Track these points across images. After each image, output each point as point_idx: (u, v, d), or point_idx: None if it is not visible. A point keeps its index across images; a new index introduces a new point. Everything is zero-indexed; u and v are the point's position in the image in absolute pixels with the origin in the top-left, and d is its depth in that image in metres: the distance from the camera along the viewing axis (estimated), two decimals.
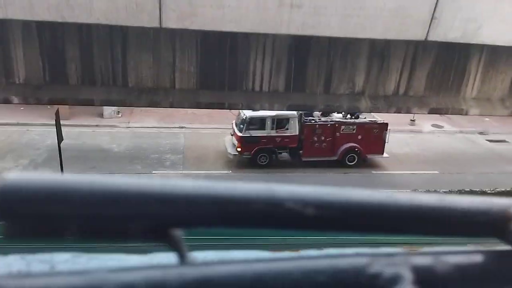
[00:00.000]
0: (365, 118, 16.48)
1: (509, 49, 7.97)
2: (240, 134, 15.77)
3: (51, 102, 7.46)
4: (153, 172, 15.37)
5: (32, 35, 6.95)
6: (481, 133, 20.68)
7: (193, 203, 0.37)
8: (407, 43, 7.68)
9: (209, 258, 0.41)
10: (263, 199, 0.37)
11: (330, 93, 8.19)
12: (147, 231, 0.37)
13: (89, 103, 7.60)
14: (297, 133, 16.28)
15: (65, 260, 0.63)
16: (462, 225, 0.42)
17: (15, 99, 7.27)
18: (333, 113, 16.32)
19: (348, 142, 16.24)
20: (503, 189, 14.38)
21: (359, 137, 16.17)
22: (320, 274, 0.36)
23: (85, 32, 7.00)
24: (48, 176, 0.37)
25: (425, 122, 20.83)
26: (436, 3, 6.94)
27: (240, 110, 15.56)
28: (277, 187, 0.39)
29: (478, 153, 18.61)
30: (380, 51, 7.93)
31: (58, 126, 11.28)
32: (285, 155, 16.46)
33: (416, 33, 7.13)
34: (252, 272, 0.36)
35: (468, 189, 14.27)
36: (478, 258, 0.41)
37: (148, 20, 6.09)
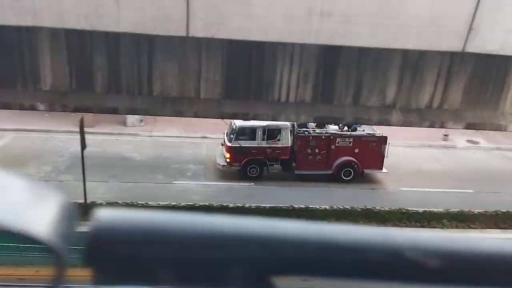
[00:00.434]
0: (363, 130, 15.91)
1: None
2: (229, 144, 15.42)
3: (77, 110, 7.64)
4: (174, 182, 15.50)
5: (61, 43, 7.16)
6: None
7: (299, 248, 0.32)
8: (442, 54, 7.51)
9: None
10: (380, 247, 0.31)
11: (359, 105, 8.07)
12: (245, 277, 0.33)
13: (114, 111, 7.74)
14: (290, 144, 15.86)
15: None
16: None
17: (41, 106, 7.49)
18: (329, 125, 15.88)
19: (343, 156, 15.67)
20: None
21: (356, 150, 15.60)
22: None
23: (112, 41, 7.16)
24: (142, 216, 0.34)
25: (460, 137, 20.28)
26: (474, 14, 6.78)
27: (232, 120, 15.31)
28: (394, 233, 0.33)
29: None
30: (413, 62, 7.78)
31: (82, 133, 11.56)
32: (277, 167, 15.93)
33: (452, 44, 6.97)
34: None
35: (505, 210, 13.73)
36: None
37: (175, 29, 6.17)
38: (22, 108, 7.54)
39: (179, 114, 7.91)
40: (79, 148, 12.85)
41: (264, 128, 15.25)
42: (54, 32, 7.07)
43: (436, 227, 12.99)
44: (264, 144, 15.53)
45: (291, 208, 12.83)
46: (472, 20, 6.81)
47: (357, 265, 0.32)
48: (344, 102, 7.99)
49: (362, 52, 7.53)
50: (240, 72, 7.75)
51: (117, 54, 7.36)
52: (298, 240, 0.32)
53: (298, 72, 7.69)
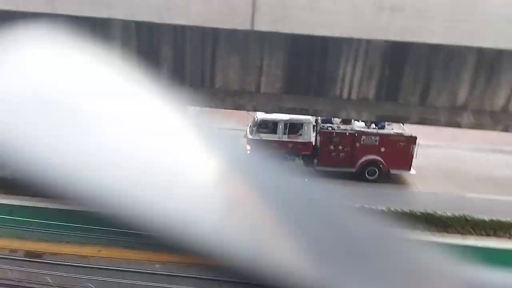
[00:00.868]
0: (392, 129, 15.22)
1: None
2: (250, 137, 15.27)
3: None
4: None
5: (131, 35, 7.51)
6: None
7: None
8: None
9: None
10: None
11: (427, 104, 7.69)
12: None
13: None
14: (311, 140, 15.54)
15: None
16: None
17: None
18: (355, 122, 15.33)
19: (368, 154, 15.13)
20: None
21: (382, 149, 15.07)
22: None
23: (179, 33, 7.39)
24: None
25: None
26: None
27: (256, 112, 14.92)
28: None
29: None
30: (489, 61, 7.26)
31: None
32: (299, 162, 15.54)
33: None
34: None
35: None
36: None
37: (240, 23, 6.24)
38: None
39: (239, 107, 8.01)
40: None
41: (285, 122, 15.02)
42: (125, 24, 7.42)
43: (503, 238, 12.17)
44: (285, 138, 15.31)
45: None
46: None
47: None
48: (410, 101, 7.65)
49: (433, 49, 7.15)
50: (302, 67, 7.68)
51: (183, 46, 7.59)
52: None
53: (362, 68, 7.48)
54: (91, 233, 11.26)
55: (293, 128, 15.46)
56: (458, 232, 11.73)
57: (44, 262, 10.51)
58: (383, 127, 15.65)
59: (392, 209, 12.53)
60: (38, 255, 10.84)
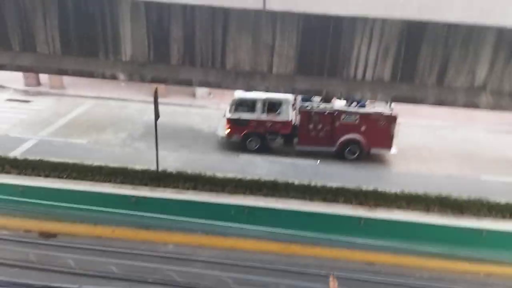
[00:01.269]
0: (374, 108, 15.26)
1: None
2: (228, 116, 15.40)
3: (154, 81, 7.99)
4: (240, 155, 15.86)
5: (140, 15, 7.46)
6: None
7: None
8: None
9: None
10: None
11: (444, 85, 7.56)
12: None
13: (188, 83, 7.99)
14: (290, 119, 15.50)
15: None
16: None
17: (121, 76, 7.93)
18: (335, 101, 15.40)
19: (348, 133, 15.23)
20: None
21: (362, 128, 15.14)
22: None
23: (189, 13, 7.32)
24: None
25: None
26: None
27: (236, 91, 14.79)
28: None
29: None
30: (509, 40, 7.08)
31: (156, 104, 12.18)
32: (279, 141, 15.79)
33: None
34: None
35: None
36: None
37: (252, 2, 6.14)
38: (103, 77, 8.04)
39: (251, 88, 7.96)
40: (152, 117, 13.56)
41: (264, 101, 15.06)
42: (134, 4, 7.38)
43: None
44: (263, 117, 15.39)
45: (359, 189, 12.59)
46: None
47: None
48: (427, 82, 7.52)
49: (451, 28, 6.98)
50: (315, 47, 7.57)
51: (193, 26, 7.52)
52: None
53: (377, 48, 7.35)
54: (104, 214, 11.52)
55: (272, 106, 15.46)
56: (473, 215, 11.67)
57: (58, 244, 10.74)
58: (363, 106, 15.68)
59: (406, 191, 12.51)
60: (51, 235, 11.10)
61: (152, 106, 13.02)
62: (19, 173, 12.31)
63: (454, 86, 7.48)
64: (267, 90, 8.08)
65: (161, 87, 16.43)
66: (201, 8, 7.18)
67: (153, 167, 12.84)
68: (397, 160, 16.24)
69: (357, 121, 15.25)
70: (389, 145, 15.54)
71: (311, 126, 15.33)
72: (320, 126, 15.31)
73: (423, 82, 7.59)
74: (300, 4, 6.02)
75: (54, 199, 11.72)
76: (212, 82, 7.95)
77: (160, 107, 12.71)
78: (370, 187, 12.90)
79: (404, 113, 19.54)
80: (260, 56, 7.70)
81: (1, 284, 9.20)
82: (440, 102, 7.76)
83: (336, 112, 15.21)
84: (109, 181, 12.25)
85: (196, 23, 7.43)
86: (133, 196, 11.86)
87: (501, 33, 6.97)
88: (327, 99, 15.56)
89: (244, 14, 7.23)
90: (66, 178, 12.18)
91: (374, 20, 6.99)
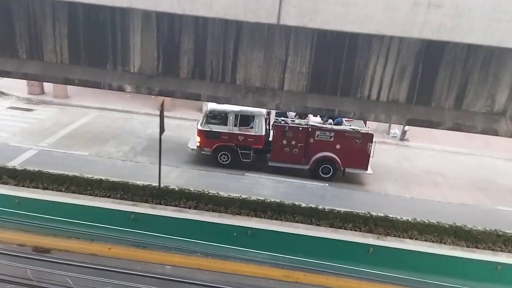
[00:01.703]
0: (350, 126, 15.21)
1: None
2: (199, 128, 15.46)
3: (161, 94, 8.03)
4: (246, 174, 15.81)
5: (151, 25, 7.56)
6: None
7: None
8: None
9: None
10: None
11: (462, 109, 7.52)
12: None
13: (196, 97, 8.02)
14: (263, 133, 15.55)
15: None
16: None
17: (129, 88, 7.98)
18: (310, 117, 15.48)
19: (323, 151, 15.12)
20: None
21: (337, 146, 15.05)
22: None
23: (201, 26, 7.40)
24: None
25: None
26: None
27: (206, 103, 14.76)
28: None
29: None
30: None
31: (161, 117, 12.22)
32: (252, 156, 15.75)
33: None
34: None
35: None
36: None
37: (265, 16, 6.19)
38: (110, 88, 8.10)
39: (261, 105, 7.96)
40: (155, 130, 13.60)
41: (236, 114, 15.06)
42: (146, 15, 7.48)
43: None
44: (236, 130, 15.39)
45: (369, 215, 12.43)
46: None
47: None
48: (444, 105, 7.49)
49: (471, 50, 7.00)
50: (329, 65, 7.61)
51: (204, 39, 7.60)
52: None
53: (393, 68, 7.36)
54: (101, 230, 11.43)
55: (245, 120, 15.40)
56: (488, 248, 11.44)
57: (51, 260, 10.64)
58: (339, 123, 15.52)
59: (419, 219, 12.32)
60: (46, 250, 11.01)
61: (156, 119, 13.07)
62: (17, 184, 12.30)
63: (473, 110, 7.44)
64: (277, 108, 8.09)
65: (167, 101, 16.53)
66: (214, 20, 7.26)
67: (155, 183, 12.79)
68: (410, 185, 16.10)
69: (332, 139, 15.12)
70: (365, 165, 15.36)
71: (284, 141, 15.25)
72: (293, 142, 15.24)
73: (440, 105, 7.57)
74: (316, 19, 6.06)
75: (51, 213, 11.67)
76: (221, 98, 7.97)
77: (165, 121, 12.76)
78: (380, 213, 12.73)
79: (419, 136, 19.52)
80: (271, 72, 7.73)
81: None
82: (457, 127, 7.70)
83: (310, 128, 15.15)
84: (109, 196, 12.19)
85: (207, 35, 7.51)
86: (132, 213, 11.78)
87: None
88: (302, 115, 15.61)
89: (257, 28, 7.30)
90: (64, 191, 12.14)
91: (391, 39, 7.03)
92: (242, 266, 10.92)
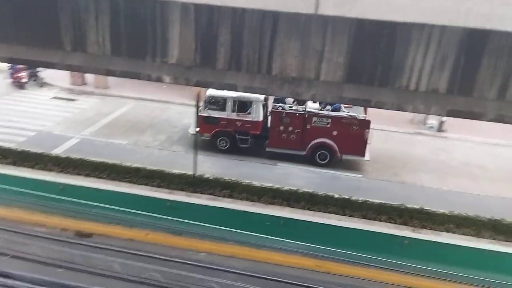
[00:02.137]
0: (348, 112, 14.91)
1: None
2: (200, 113, 15.29)
3: (198, 84, 8.08)
4: (278, 164, 15.79)
5: (190, 17, 7.59)
6: None
7: None
8: None
9: None
10: None
11: (506, 100, 7.18)
12: None
13: (232, 88, 8.03)
14: (261, 119, 15.51)
15: None
16: None
17: (167, 78, 8.08)
18: (308, 103, 15.21)
19: (320, 137, 14.96)
20: None
21: (334, 132, 14.87)
22: None
23: (238, 17, 7.36)
24: None
25: None
26: None
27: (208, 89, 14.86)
28: None
29: None
30: None
31: (197, 108, 12.35)
32: (251, 141, 15.80)
33: None
34: None
35: None
36: None
37: (304, 6, 6.11)
38: (149, 79, 8.22)
39: (296, 95, 7.88)
40: (191, 120, 13.75)
41: (234, 99, 15.12)
42: (185, 7, 7.51)
43: None
44: (234, 116, 15.47)
45: (404, 207, 12.18)
46: None
47: None
48: (487, 96, 7.17)
49: None
50: (366, 54, 7.41)
51: (241, 31, 7.56)
52: None
53: (434, 57, 7.10)
54: (138, 216, 11.74)
55: (242, 106, 15.48)
56: None
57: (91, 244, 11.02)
58: (337, 110, 15.25)
59: (456, 212, 11.99)
60: (87, 234, 11.42)
61: (192, 109, 13.22)
62: (61, 171, 12.79)
63: None
64: (313, 98, 7.99)
65: (202, 91, 16.68)
66: (251, 11, 7.21)
67: (190, 171, 12.99)
68: (446, 177, 15.65)
69: (329, 125, 14.99)
70: (362, 152, 15.21)
71: (282, 127, 15.24)
72: (291, 128, 15.20)
73: (482, 96, 7.25)
74: (355, 9, 5.92)
75: (92, 199, 12.08)
76: (257, 88, 7.94)
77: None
78: (415, 205, 12.45)
79: (457, 127, 18.88)
80: (308, 62, 7.62)
81: (35, 282, 9.45)
82: (500, 119, 7.37)
83: (307, 115, 15.04)
84: (146, 184, 12.50)
85: (244, 27, 7.47)
86: (168, 200, 12.04)
87: None
88: (300, 101, 15.47)
89: (294, 18, 7.20)
90: (105, 178, 12.54)
91: (432, 27, 6.77)
92: (274, 255, 10.95)
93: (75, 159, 13.43)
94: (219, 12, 7.38)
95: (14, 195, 12.15)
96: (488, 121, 7.38)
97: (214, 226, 11.60)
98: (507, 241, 11.09)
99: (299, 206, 12.11)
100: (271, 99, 16.26)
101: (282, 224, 11.47)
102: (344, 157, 15.49)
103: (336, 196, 12.77)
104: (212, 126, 15.81)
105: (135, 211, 12.02)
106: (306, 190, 13.13)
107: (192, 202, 12.01)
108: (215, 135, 15.97)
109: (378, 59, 7.39)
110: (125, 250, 10.65)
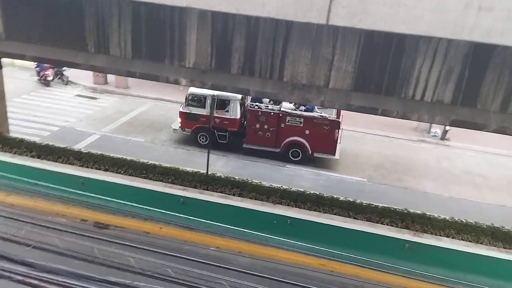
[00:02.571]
0: (321, 113, 15.02)
1: None
2: (181, 110, 16.00)
3: (213, 88, 8.13)
4: (287, 166, 15.75)
5: (206, 24, 7.64)
6: None
7: None
8: None
9: None
10: None
11: (508, 112, 7.10)
12: None
13: (245, 92, 8.07)
14: (238, 116, 15.71)
15: None
16: None
17: (184, 81, 8.14)
18: (283, 103, 15.29)
19: (293, 136, 15.15)
20: None
21: (307, 132, 15.04)
22: None
23: (253, 25, 7.40)
24: None
25: None
26: None
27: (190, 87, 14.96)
28: None
29: None
30: None
31: (212, 109, 12.39)
32: (229, 138, 15.98)
33: None
34: None
35: None
36: None
37: (315, 16, 6.10)
38: (167, 81, 8.29)
39: (306, 101, 7.89)
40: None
41: (213, 97, 15.04)
42: (202, 14, 7.57)
43: None
44: (213, 113, 15.25)
45: (406, 211, 12.03)
46: None
47: None
48: (490, 108, 7.10)
49: None
50: (375, 64, 7.39)
51: (255, 38, 7.59)
52: None
53: (439, 69, 7.05)
54: (153, 211, 11.80)
55: (221, 103, 15.72)
56: None
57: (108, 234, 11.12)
58: (310, 110, 15.41)
59: (456, 218, 11.81)
60: (104, 226, 11.51)
61: None
62: (82, 165, 12.87)
63: None
64: (322, 104, 7.98)
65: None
66: (265, 20, 7.23)
67: (203, 170, 13.00)
68: (448, 184, 15.46)
69: (301, 124, 15.19)
70: (332, 150, 15.40)
71: (258, 125, 15.50)
72: (266, 126, 15.47)
73: (486, 108, 7.18)
74: (365, 20, 5.89)
75: (110, 193, 12.15)
76: (269, 93, 7.97)
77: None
78: (417, 210, 12.30)
79: (460, 136, 18.65)
80: (318, 70, 7.62)
81: (55, 272, 9.50)
82: (502, 130, 7.29)
83: (281, 114, 15.26)
84: (161, 180, 12.51)
85: (258, 34, 7.50)
86: (181, 197, 12.03)
87: None
88: (275, 102, 15.61)
89: (306, 27, 7.21)
90: (123, 173, 12.58)
91: (439, 40, 6.72)
92: (280, 252, 10.89)
93: (96, 154, 13.52)
94: (234, 20, 7.42)
95: (38, 187, 12.31)
96: (490, 132, 7.29)
97: (224, 224, 11.58)
98: (505, 248, 10.87)
99: (306, 206, 12.00)
100: (248, 98, 16.47)
101: (288, 224, 11.40)
102: (316, 155, 15.70)
103: (341, 198, 12.65)
104: (193, 123, 16.17)
105: (150, 206, 12.07)
106: (312, 192, 13.03)
107: (204, 199, 11.99)
108: (196, 131, 16.33)
109: (386, 69, 7.37)
110: (140, 246, 10.69)
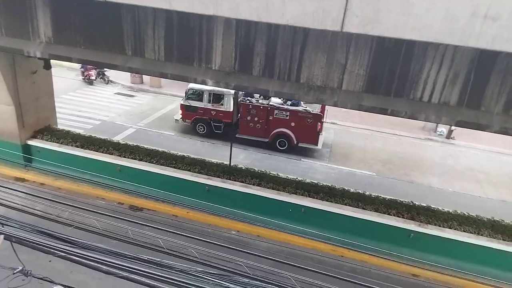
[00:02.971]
0: (305, 107, 15.29)
1: None
2: (182, 102, 16.57)
3: (236, 88, 8.14)
4: (302, 159, 15.67)
5: (231, 30, 7.64)
6: None
7: None
8: None
9: None
10: None
11: (510, 114, 6.85)
12: None
13: (265, 93, 8.03)
14: (231, 109, 15.85)
15: None
16: None
17: (210, 82, 8.17)
18: (272, 98, 15.64)
19: (280, 127, 15.50)
20: None
21: (292, 124, 15.36)
22: None
23: (273, 32, 7.35)
24: None
25: None
26: None
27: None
28: None
29: None
30: None
31: (235, 106, 12.38)
32: (225, 129, 16.32)
33: None
34: None
35: None
36: None
37: (330, 24, 6.01)
38: (195, 82, 8.34)
39: (321, 101, 7.81)
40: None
41: (209, 92, 15.84)
42: (227, 21, 7.56)
43: None
44: (209, 106, 16.20)
45: (412, 204, 11.82)
46: None
47: None
48: (493, 110, 6.86)
49: None
50: (385, 68, 7.24)
51: (275, 43, 7.55)
52: None
53: (446, 73, 6.85)
54: (181, 197, 11.98)
55: (217, 97, 16.11)
56: None
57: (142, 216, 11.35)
58: (296, 105, 15.65)
59: (459, 211, 11.53)
60: (139, 208, 11.76)
61: None
62: (119, 155, 13.16)
63: None
64: (335, 105, 7.88)
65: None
66: (284, 27, 7.18)
67: (226, 162, 13.10)
68: (452, 180, 15.09)
69: (287, 117, 15.52)
70: (315, 141, 15.73)
71: (249, 117, 15.86)
72: (256, 119, 15.82)
73: (489, 110, 6.94)
74: (377, 27, 5.77)
75: (144, 180, 12.39)
76: (287, 93, 7.92)
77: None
78: (422, 203, 12.06)
79: (465, 135, 18.13)
80: (332, 73, 7.53)
81: (94, 249, 9.74)
82: (504, 131, 7.04)
83: (270, 108, 15.61)
84: (189, 170, 12.67)
85: (278, 40, 7.45)
86: (206, 185, 12.17)
87: None
88: (265, 96, 15.93)
89: (321, 34, 7.11)
90: (155, 163, 12.80)
91: (446, 46, 6.53)
92: (294, 238, 10.92)
93: (132, 145, 13.79)
94: (256, 27, 7.39)
95: (81, 173, 12.67)
96: (493, 132, 7.06)
97: (244, 211, 11.67)
98: (504, 240, 10.57)
99: (318, 197, 11.95)
100: (241, 93, 16.75)
101: (303, 212, 11.40)
102: (300, 145, 15.95)
103: (352, 190, 12.53)
104: (192, 114, 16.60)
105: (178, 193, 12.25)
106: (325, 184, 12.95)
107: (226, 187, 12.10)
108: (194, 122, 16.74)
109: (395, 72, 7.22)
110: (169, 229, 10.86)
